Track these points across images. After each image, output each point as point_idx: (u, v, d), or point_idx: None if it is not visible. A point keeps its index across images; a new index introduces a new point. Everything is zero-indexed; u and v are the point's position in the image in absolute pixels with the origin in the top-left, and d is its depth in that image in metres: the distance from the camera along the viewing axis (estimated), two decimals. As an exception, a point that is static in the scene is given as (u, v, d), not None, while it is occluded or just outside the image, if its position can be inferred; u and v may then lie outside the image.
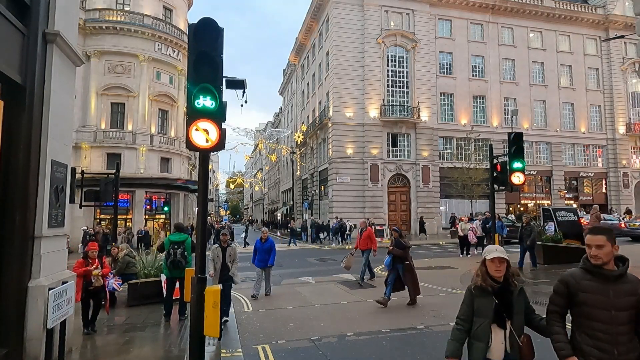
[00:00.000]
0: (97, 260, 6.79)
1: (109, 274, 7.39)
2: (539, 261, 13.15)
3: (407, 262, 8.56)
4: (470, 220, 23.71)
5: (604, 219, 23.01)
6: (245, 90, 4.87)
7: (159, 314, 7.98)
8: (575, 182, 36.10)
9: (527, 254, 12.98)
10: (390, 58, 31.81)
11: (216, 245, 7.96)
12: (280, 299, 9.63)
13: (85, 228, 21.77)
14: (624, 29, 34.71)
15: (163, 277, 9.33)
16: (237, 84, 4.76)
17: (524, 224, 13.19)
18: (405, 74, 31.99)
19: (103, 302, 7.00)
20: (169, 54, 29.65)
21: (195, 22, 4.40)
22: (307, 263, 16.89)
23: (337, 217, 27.92)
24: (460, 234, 17.35)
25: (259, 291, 9.77)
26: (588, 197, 36.38)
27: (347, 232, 26.39)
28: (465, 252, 17.09)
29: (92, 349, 6.14)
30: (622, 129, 36.67)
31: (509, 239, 21.54)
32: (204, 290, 4.25)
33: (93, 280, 6.60)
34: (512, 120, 32.31)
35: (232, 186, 74.98)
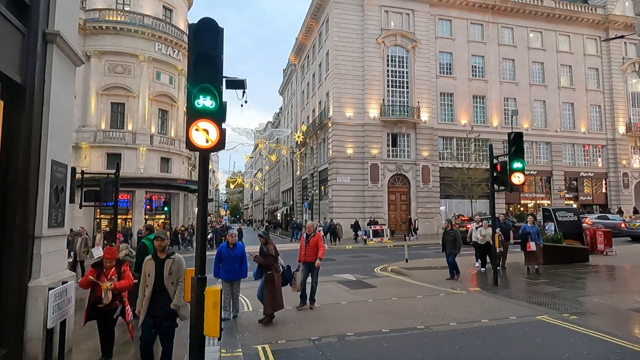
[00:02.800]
0: (114, 269, 5.27)
1: (125, 289, 5.33)
2: (540, 261, 13.12)
3: (269, 272, 7.59)
4: (470, 220, 23.79)
5: (608, 219, 23.05)
6: (246, 90, 4.86)
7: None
8: (575, 182, 36.10)
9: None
10: (390, 58, 31.82)
11: (149, 256, 5.09)
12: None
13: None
14: (624, 29, 34.71)
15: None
16: (237, 84, 4.75)
17: (445, 229, 11.88)
18: (405, 74, 32.00)
19: (118, 321, 5.39)
20: (169, 54, 29.67)
21: (195, 22, 4.40)
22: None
23: (325, 218, 28.09)
24: (480, 238, 12.77)
25: (231, 313, 7.81)
26: (588, 197, 36.39)
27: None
28: (481, 263, 13.07)
29: (92, 349, 6.12)
30: (622, 129, 36.67)
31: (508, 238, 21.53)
32: (204, 290, 4.25)
33: (103, 297, 5.06)
34: (512, 120, 32.31)
35: (232, 186, 74.98)
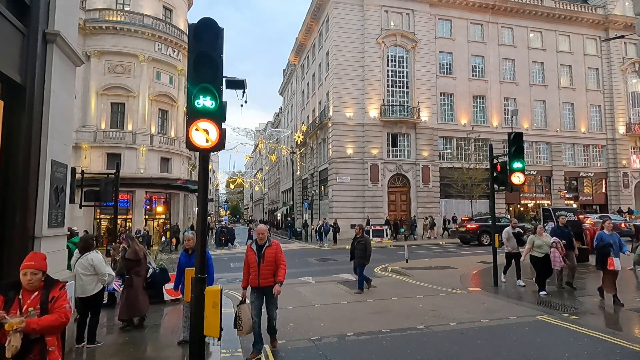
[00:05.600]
0: (38, 294, 3.11)
1: (51, 330, 3.01)
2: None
3: (128, 276, 7.32)
4: (470, 220, 23.75)
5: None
6: (245, 90, 4.87)
7: (159, 314, 7.98)
8: (575, 182, 36.09)
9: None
10: (390, 58, 31.81)
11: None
12: (280, 299, 9.58)
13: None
14: (624, 29, 34.71)
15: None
16: (237, 84, 4.76)
17: (356, 235, 10.65)
18: (405, 74, 31.99)
19: None
20: (169, 54, 29.67)
21: (195, 22, 4.41)
22: (307, 263, 16.90)
23: (324, 219, 28.19)
24: (507, 247, 10.65)
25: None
26: (588, 197, 36.38)
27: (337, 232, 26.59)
28: (539, 283, 9.54)
29: (92, 349, 6.13)
30: (622, 129, 36.66)
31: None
32: (204, 290, 4.26)
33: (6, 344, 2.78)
34: (512, 120, 32.31)
35: (232, 186, 74.94)
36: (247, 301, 5.70)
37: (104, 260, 6.58)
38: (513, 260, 10.64)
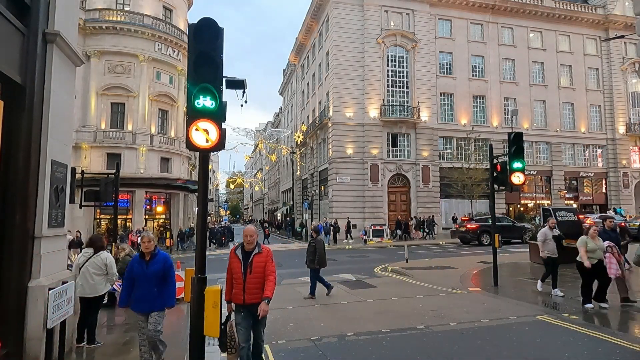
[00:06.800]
0: None
1: None
2: (539, 261, 13.04)
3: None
4: (470, 220, 23.73)
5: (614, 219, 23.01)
6: (246, 90, 4.87)
7: (159, 314, 7.96)
8: (575, 182, 36.09)
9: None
10: (390, 58, 31.81)
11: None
12: (280, 299, 9.61)
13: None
14: (624, 29, 34.72)
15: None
16: (237, 84, 4.75)
17: (311, 236, 10.17)
18: (405, 74, 32.00)
19: None
20: (169, 54, 29.66)
21: (196, 22, 4.41)
22: (307, 263, 16.87)
23: (326, 219, 28.15)
24: (543, 253, 9.27)
25: None
26: (588, 197, 36.39)
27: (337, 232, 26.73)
28: (598, 296, 7.99)
29: (92, 349, 6.13)
30: (622, 129, 36.67)
31: (507, 239, 21.58)
32: (204, 291, 4.25)
33: None
34: (512, 120, 32.32)
35: (232, 186, 74.97)
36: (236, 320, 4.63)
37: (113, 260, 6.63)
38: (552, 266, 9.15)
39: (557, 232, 9.54)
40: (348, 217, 27.96)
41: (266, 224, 39.60)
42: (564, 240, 9.57)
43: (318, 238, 9.91)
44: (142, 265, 4.96)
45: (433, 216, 29.35)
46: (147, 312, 4.93)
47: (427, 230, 28.11)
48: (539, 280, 9.63)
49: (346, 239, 26.82)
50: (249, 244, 4.64)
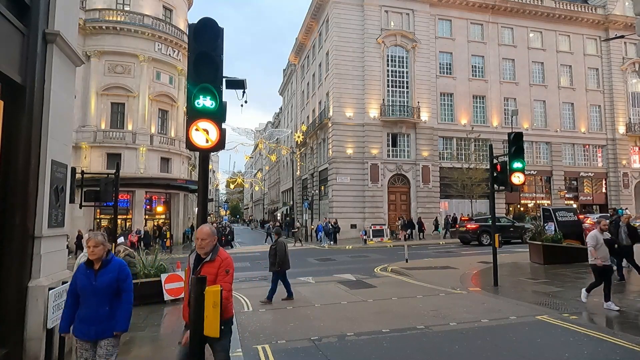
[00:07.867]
0: None
1: None
2: (539, 261, 13.03)
3: None
4: (470, 220, 23.70)
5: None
6: (245, 90, 4.87)
7: (159, 314, 7.98)
8: (575, 182, 36.09)
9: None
10: (390, 58, 31.82)
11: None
12: (281, 299, 9.61)
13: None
14: (624, 29, 34.70)
15: (163, 277, 9.36)
16: (237, 84, 4.76)
17: (272, 239, 9.67)
18: (405, 74, 32.00)
19: None
20: (169, 54, 29.68)
21: (196, 22, 4.40)
22: (307, 263, 16.90)
23: (326, 218, 28.09)
24: (596, 260, 7.67)
25: None
26: (588, 197, 36.39)
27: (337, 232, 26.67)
28: None
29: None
30: (622, 129, 36.67)
31: (508, 239, 21.60)
32: (204, 290, 4.25)
33: None
34: (512, 120, 32.32)
35: (232, 186, 74.96)
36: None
37: None
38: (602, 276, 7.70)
39: (607, 235, 8.26)
40: (335, 219, 27.83)
41: (270, 225, 36.26)
42: (564, 241, 9.33)
43: (279, 240, 9.71)
44: (89, 277, 3.70)
45: (420, 217, 29.24)
46: (94, 340, 3.65)
47: (410, 233, 27.86)
48: (584, 290, 8.16)
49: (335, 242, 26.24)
50: (201, 249, 3.71)
